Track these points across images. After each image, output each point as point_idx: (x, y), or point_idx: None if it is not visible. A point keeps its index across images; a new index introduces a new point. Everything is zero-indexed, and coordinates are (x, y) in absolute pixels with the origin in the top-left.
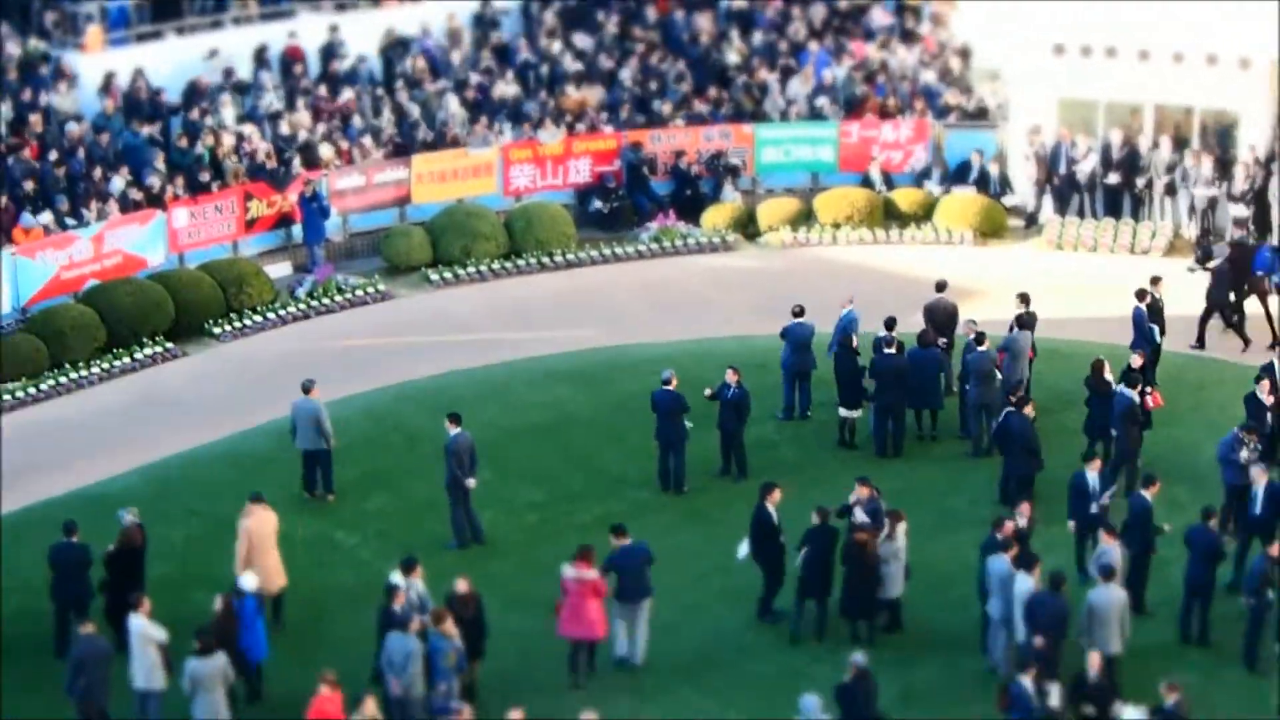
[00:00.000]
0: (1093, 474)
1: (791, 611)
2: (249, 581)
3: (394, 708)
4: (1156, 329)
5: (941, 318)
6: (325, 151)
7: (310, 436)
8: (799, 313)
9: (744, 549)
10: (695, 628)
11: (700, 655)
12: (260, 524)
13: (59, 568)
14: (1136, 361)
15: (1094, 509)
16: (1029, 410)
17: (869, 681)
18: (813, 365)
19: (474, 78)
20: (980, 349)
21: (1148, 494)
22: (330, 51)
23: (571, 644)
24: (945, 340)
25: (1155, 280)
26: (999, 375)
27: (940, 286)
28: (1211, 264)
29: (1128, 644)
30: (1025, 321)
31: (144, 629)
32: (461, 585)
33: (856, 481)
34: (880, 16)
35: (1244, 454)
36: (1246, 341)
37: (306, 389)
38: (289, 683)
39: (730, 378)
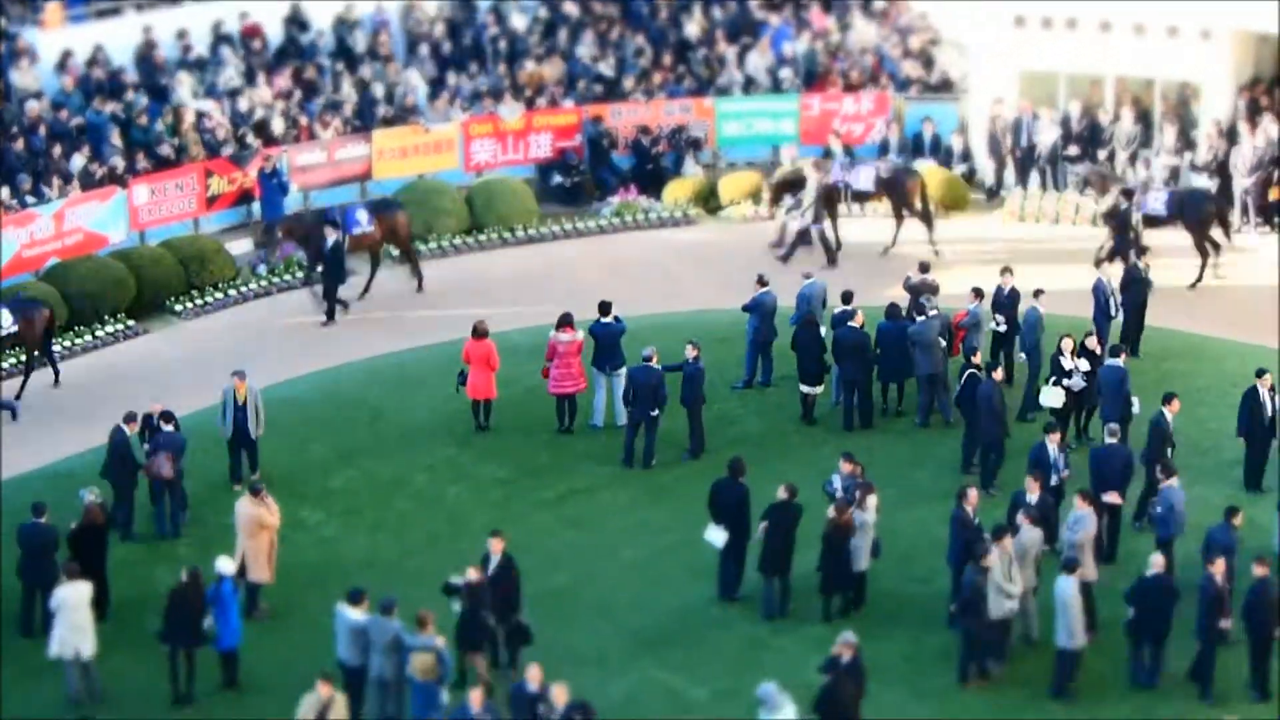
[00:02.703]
0: (1052, 446)
1: (761, 590)
2: (223, 565)
3: (372, 689)
4: (1114, 301)
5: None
6: (283, 127)
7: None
8: (764, 282)
9: (719, 536)
10: (659, 602)
11: (665, 629)
12: (241, 513)
13: (27, 548)
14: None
15: (1054, 480)
16: (997, 375)
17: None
18: (774, 335)
19: (432, 53)
20: (922, 319)
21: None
22: (291, 26)
23: (559, 399)
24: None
25: (1142, 250)
26: (942, 344)
27: (924, 267)
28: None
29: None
30: (1004, 298)
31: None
32: (472, 573)
33: (841, 457)
34: None
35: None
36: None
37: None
38: (259, 666)
39: (690, 353)
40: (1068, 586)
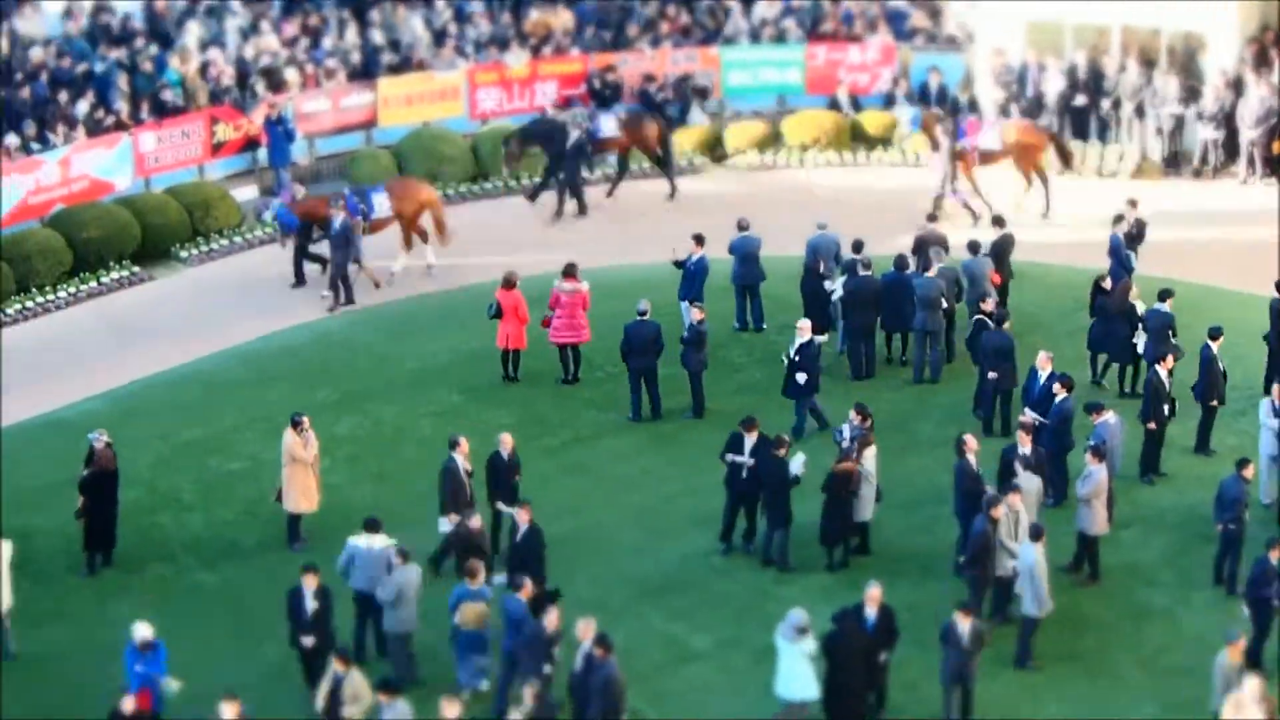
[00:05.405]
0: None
1: (762, 538)
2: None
3: (389, 644)
4: (1133, 254)
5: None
6: (290, 75)
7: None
8: (744, 226)
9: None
10: (662, 550)
11: (667, 577)
12: (283, 443)
13: None
14: (1109, 283)
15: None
16: (1006, 327)
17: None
18: (761, 278)
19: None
20: (926, 275)
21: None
22: None
23: (561, 348)
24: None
25: (1133, 203)
26: (945, 304)
27: (931, 218)
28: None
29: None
30: (1000, 245)
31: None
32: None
33: (853, 408)
34: None
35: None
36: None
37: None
38: (263, 611)
39: (695, 315)
40: (1031, 554)
